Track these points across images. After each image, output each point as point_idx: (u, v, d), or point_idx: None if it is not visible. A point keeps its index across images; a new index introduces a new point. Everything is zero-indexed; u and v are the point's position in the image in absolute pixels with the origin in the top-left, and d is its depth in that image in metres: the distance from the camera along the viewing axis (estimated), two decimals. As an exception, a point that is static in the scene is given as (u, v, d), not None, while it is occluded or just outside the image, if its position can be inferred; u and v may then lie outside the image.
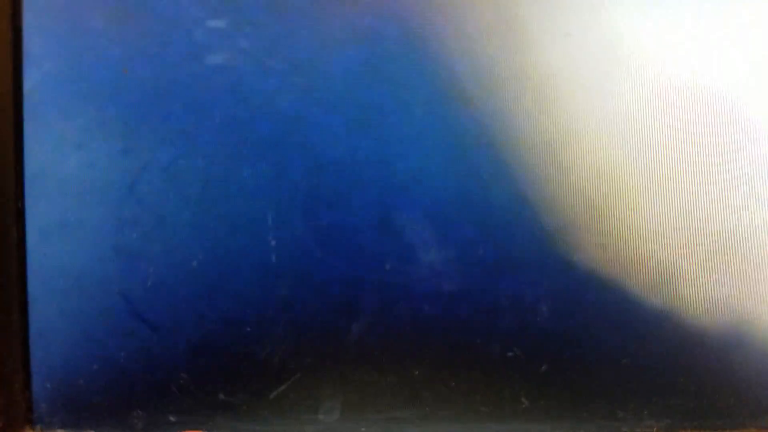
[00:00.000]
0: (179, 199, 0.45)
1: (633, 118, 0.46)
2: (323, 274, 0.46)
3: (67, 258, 0.45)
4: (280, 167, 0.45)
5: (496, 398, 0.47)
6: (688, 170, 0.46)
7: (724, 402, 0.48)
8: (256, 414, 0.47)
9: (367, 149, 0.45)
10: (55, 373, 0.46)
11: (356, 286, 0.46)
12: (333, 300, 0.46)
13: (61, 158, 0.45)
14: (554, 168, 0.46)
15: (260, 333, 0.46)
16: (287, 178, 0.45)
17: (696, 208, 0.46)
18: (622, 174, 0.46)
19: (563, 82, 0.45)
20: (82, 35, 0.44)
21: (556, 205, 0.46)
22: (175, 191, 0.45)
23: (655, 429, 0.48)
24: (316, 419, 0.47)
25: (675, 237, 0.46)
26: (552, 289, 0.46)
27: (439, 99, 0.45)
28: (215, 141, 0.45)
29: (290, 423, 0.47)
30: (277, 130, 0.45)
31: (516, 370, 0.47)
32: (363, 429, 0.47)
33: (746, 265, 0.46)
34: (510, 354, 0.47)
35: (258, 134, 0.45)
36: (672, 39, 0.46)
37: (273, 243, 0.45)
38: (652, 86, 0.45)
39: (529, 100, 0.45)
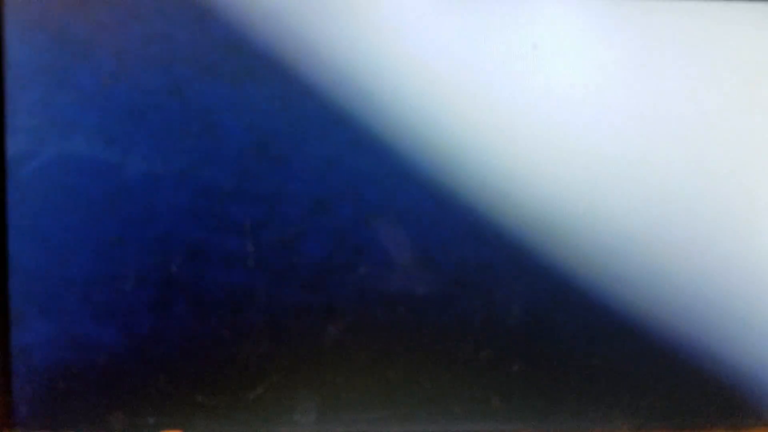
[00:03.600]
0: (157, 203, 0.45)
1: (600, 130, 0.47)
2: (299, 276, 0.46)
3: (47, 262, 0.45)
4: (255, 171, 0.45)
5: (469, 398, 0.48)
6: (659, 179, 0.47)
7: (694, 402, 0.48)
8: (234, 415, 0.47)
9: (341, 152, 0.46)
10: (34, 376, 0.46)
11: (332, 289, 0.46)
12: (309, 302, 0.46)
13: (44, 166, 0.45)
14: (524, 172, 0.46)
15: (237, 335, 0.46)
16: (262, 181, 0.45)
17: (666, 215, 0.47)
18: (590, 181, 0.47)
19: (531, 94, 0.46)
20: (65, 42, 0.45)
21: (527, 208, 0.46)
22: (152, 195, 0.45)
23: (625, 428, 0.48)
24: (292, 420, 0.47)
25: (645, 240, 0.47)
26: (523, 291, 0.47)
27: (413, 108, 0.46)
28: (193, 148, 0.45)
29: (267, 424, 0.47)
30: (251, 135, 0.45)
31: (488, 370, 0.47)
32: (339, 430, 0.48)
33: (714, 268, 0.47)
34: (482, 354, 0.47)
35: (234, 139, 0.45)
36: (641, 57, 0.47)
37: (250, 247, 0.46)
38: (622, 100, 0.47)
39: (497, 113, 0.46)
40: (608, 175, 0.47)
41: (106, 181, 0.45)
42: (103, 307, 0.46)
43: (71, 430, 0.47)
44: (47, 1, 0.44)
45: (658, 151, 0.47)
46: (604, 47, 0.46)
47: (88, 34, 0.44)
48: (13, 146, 0.44)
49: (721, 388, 0.48)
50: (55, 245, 0.45)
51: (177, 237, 0.45)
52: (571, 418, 0.48)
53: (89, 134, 0.45)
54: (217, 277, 0.46)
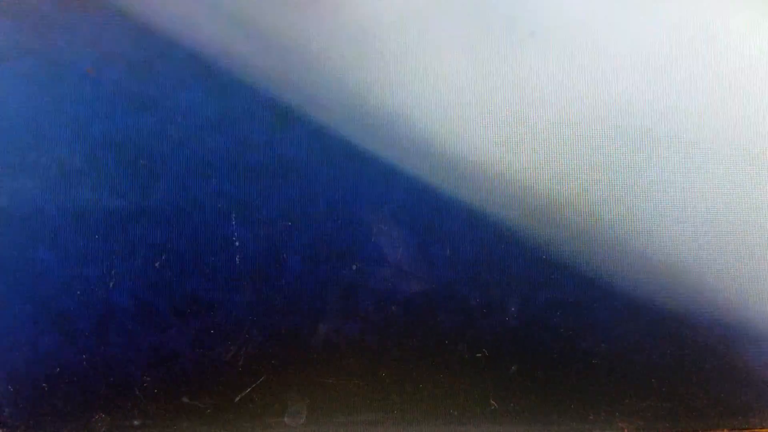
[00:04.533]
0: (141, 199, 0.44)
1: (597, 119, 0.46)
2: (288, 275, 0.45)
3: (27, 261, 0.44)
4: (244, 167, 0.45)
5: (465, 400, 0.47)
6: (655, 170, 0.46)
7: (697, 403, 0.48)
8: (221, 418, 0.46)
9: (334, 149, 0.45)
10: (17, 377, 0.45)
11: (322, 288, 0.45)
12: (299, 301, 0.45)
13: (20, 157, 0.44)
14: (521, 168, 0.45)
15: (224, 335, 0.45)
16: (252, 178, 0.45)
17: (669, 209, 0.46)
18: (588, 173, 0.46)
19: (528, 82, 0.45)
20: (45, 33, 0.44)
21: (525, 205, 0.45)
22: (137, 191, 0.44)
23: (626, 431, 0.48)
24: (281, 423, 0.47)
25: (647, 237, 0.46)
26: (521, 290, 0.46)
27: (407, 101, 0.45)
28: (181, 141, 0.44)
29: (256, 427, 0.47)
30: (242, 128, 0.45)
31: (485, 372, 0.46)
32: (330, 432, 0.47)
33: (722, 267, 0.46)
34: (479, 355, 0.46)
35: (224, 136, 0.44)
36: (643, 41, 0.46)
37: (237, 244, 0.45)
38: (619, 88, 0.45)
39: (493, 104, 0.45)
40: (609, 166, 0.46)
41: (88, 171, 0.44)
42: (87, 306, 0.45)
43: (54, 431, 0.46)
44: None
45: (659, 142, 0.46)
46: (603, 34, 0.45)
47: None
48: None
49: (725, 388, 0.47)
50: (36, 241, 0.44)
51: (162, 236, 0.45)
52: (571, 420, 0.47)
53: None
54: (204, 276, 0.45)
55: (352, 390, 0.46)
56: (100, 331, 0.45)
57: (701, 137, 0.46)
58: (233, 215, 0.45)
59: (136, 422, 0.46)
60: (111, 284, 0.45)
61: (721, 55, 0.46)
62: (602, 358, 0.47)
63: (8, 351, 0.45)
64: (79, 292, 0.45)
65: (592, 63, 0.45)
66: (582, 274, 0.46)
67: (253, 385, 0.46)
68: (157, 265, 0.45)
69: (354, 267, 0.45)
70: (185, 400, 0.46)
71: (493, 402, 0.47)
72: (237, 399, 0.46)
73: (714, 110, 0.46)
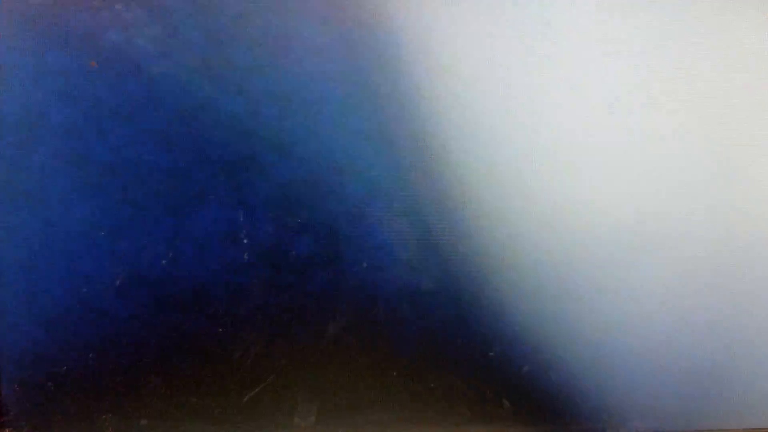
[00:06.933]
0: (147, 197, 0.44)
1: (614, 110, 0.45)
2: (297, 273, 0.45)
3: (33, 260, 0.44)
4: (252, 165, 0.44)
5: (477, 400, 0.46)
6: (673, 163, 0.45)
7: (710, 404, 0.47)
8: (229, 418, 0.46)
9: (341, 148, 0.44)
10: (24, 377, 0.45)
11: (332, 286, 0.45)
12: (308, 300, 0.45)
13: (24, 154, 0.43)
14: (534, 157, 0.45)
15: (233, 334, 0.45)
16: (260, 176, 0.44)
17: (684, 206, 0.45)
18: (603, 165, 0.45)
19: (544, 72, 0.44)
20: (50, 28, 0.43)
21: (538, 201, 0.45)
22: (143, 190, 0.44)
23: (640, 431, 0.47)
24: (291, 423, 0.46)
25: (659, 237, 0.45)
26: (533, 289, 0.45)
27: (419, 91, 0.44)
28: (186, 139, 0.44)
29: (264, 427, 0.46)
30: (249, 126, 0.44)
31: (497, 371, 0.46)
32: (340, 432, 0.47)
33: (729, 267, 0.46)
34: (491, 354, 0.46)
35: (230, 131, 0.44)
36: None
37: (245, 241, 0.44)
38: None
39: (509, 87, 0.44)
40: (621, 160, 0.45)
41: (93, 171, 0.44)
42: (93, 305, 0.44)
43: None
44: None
45: (674, 133, 0.45)
46: (618, 24, 0.45)
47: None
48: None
49: (739, 390, 0.47)
50: (40, 244, 0.44)
51: (169, 233, 0.44)
52: (584, 420, 0.47)
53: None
54: (212, 275, 0.44)
55: (363, 390, 0.46)
56: (106, 331, 0.45)
57: (722, 127, 0.45)
58: (241, 213, 0.44)
59: (143, 422, 0.46)
60: (117, 283, 0.44)
61: (740, 43, 0.45)
62: (617, 358, 0.46)
63: (15, 351, 0.45)
64: (85, 291, 0.44)
65: (607, 52, 0.45)
66: (594, 277, 0.45)
67: (262, 385, 0.46)
68: (164, 263, 0.44)
69: (364, 265, 0.45)
70: (193, 400, 0.46)
71: (505, 401, 0.46)
72: (245, 399, 0.46)
73: (734, 98, 0.45)
